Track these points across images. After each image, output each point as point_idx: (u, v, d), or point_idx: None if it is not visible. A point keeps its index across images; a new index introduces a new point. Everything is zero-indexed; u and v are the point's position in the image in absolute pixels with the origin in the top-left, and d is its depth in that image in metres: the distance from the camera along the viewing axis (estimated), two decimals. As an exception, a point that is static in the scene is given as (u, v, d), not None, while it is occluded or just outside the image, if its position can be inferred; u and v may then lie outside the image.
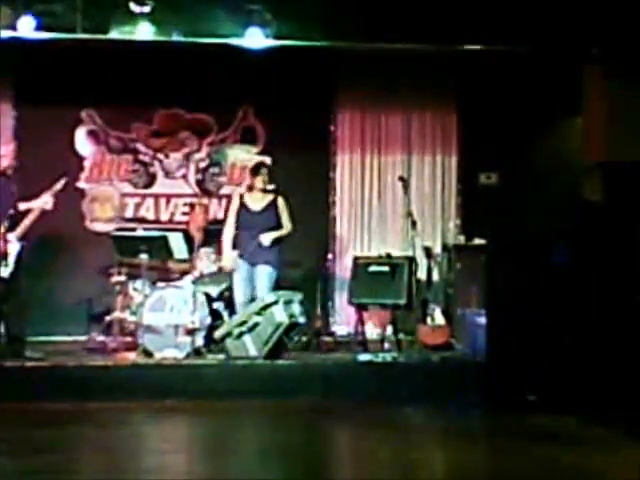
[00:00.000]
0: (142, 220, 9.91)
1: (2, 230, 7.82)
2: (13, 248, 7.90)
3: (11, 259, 7.88)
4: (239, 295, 8.43)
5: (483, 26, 8.59)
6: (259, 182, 8.53)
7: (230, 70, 9.63)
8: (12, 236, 7.91)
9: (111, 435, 6.33)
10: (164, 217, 10.21)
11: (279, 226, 8.49)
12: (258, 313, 8.04)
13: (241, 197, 8.63)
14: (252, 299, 8.33)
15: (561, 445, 6.03)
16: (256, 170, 8.66)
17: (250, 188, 8.63)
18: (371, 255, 9.66)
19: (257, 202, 8.55)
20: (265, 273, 8.40)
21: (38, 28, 8.29)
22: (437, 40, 8.79)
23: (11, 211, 7.90)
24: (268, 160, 9.96)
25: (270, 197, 8.55)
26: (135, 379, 7.55)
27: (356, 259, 9.41)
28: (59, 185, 8.30)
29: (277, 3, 8.54)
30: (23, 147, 9.73)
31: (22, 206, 8.02)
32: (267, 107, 10.13)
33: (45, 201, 8.06)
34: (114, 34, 8.44)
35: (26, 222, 7.98)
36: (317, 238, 10.22)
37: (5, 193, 7.96)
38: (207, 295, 8.49)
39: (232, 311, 8.53)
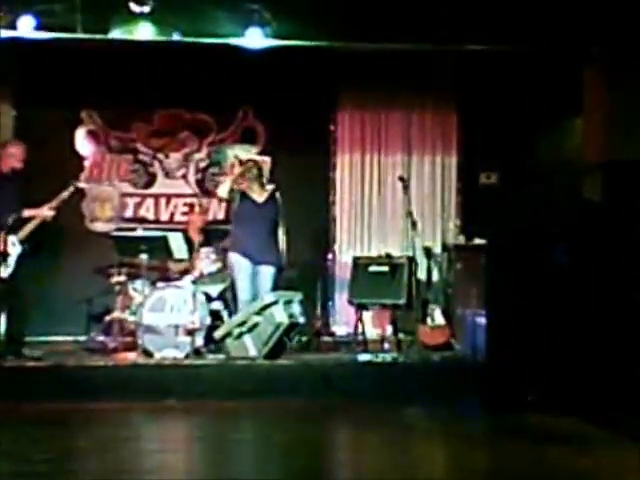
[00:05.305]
0: (142, 220, 9.92)
1: (4, 232, 7.82)
2: (14, 250, 7.91)
3: (12, 260, 7.89)
4: (243, 294, 8.44)
5: (483, 26, 8.58)
6: (252, 178, 8.55)
7: (230, 70, 9.62)
8: (14, 238, 7.91)
9: (110, 435, 6.32)
10: (164, 217, 10.21)
11: (279, 218, 8.52)
12: (258, 313, 8.03)
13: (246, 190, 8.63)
14: (254, 299, 8.34)
15: (561, 445, 6.02)
16: (245, 169, 8.69)
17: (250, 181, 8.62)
18: (371, 255, 9.66)
19: (260, 195, 8.58)
20: (269, 273, 8.43)
21: (38, 28, 8.30)
22: (437, 40, 8.79)
23: (14, 214, 7.89)
24: (268, 159, 9.98)
25: (269, 191, 8.61)
26: (135, 379, 7.53)
27: (356, 259, 9.41)
28: (66, 193, 8.26)
29: (277, 3, 8.54)
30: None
31: (26, 213, 8.01)
32: (267, 107, 10.12)
33: (46, 214, 8.07)
34: (114, 34, 8.46)
35: (30, 226, 8.00)
36: (317, 238, 10.22)
37: (13, 194, 7.97)
38: (207, 295, 8.49)
39: (232, 311, 8.53)
